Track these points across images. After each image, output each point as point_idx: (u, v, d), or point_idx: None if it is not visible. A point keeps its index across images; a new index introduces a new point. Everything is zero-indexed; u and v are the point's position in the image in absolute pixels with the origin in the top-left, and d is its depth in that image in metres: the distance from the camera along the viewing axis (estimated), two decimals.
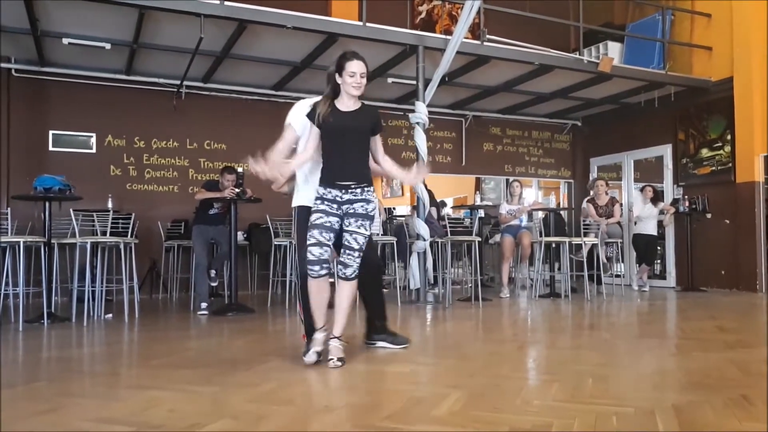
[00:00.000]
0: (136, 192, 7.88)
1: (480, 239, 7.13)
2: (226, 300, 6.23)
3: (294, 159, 3.44)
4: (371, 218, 3.37)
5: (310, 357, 3.25)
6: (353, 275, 3.33)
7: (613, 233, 7.83)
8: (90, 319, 5.38)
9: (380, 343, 3.90)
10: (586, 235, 7.39)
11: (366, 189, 3.35)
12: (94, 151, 7.74)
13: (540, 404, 2.51)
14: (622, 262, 9.24)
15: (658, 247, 8.99)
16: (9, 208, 5.72)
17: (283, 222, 6.70)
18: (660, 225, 8.59)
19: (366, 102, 3.46)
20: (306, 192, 3.53)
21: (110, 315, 5.66)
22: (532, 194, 11.07)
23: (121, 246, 5.58)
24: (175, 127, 8.10)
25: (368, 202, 3.35)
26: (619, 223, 7.99)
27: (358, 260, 3.33)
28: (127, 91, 7.87)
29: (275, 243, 6.75)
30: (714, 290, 8.24)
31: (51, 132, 7.53)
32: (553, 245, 7.57)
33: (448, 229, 6.82)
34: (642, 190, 8.45)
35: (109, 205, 6.05)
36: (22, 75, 7.36)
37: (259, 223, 7.84)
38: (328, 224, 3.28)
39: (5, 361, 3.60)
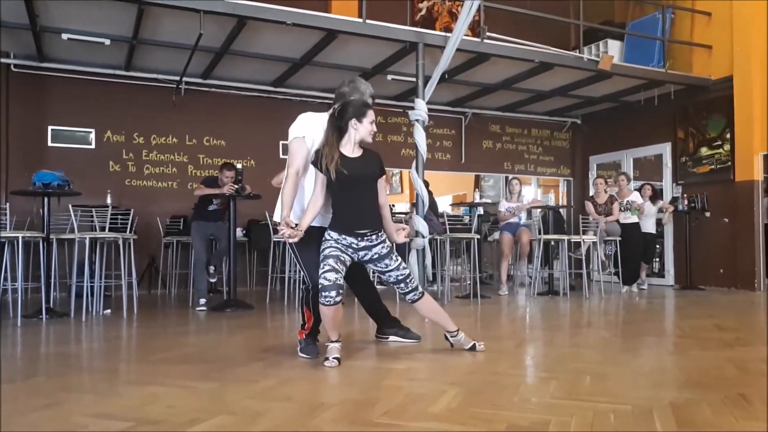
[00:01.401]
0: (135, 188, 7.88)
1: (479, 237, 7.14)
2: (225, 296, 6.23)
3: (306, 214, 3.31)
4: (393, 249, 3.44)
5: (333, 363, 3.21)
6: (421, 292, 3.47)
7: (611, 231, 7.83)
8: (88, 315, 5.38)
9: (392, 338, 3.97)
10: (584, 233, 7.39)
11: (379, 233, 3.37)
12: (93, 146, 7.72)
13: (538, 401, 2.51)
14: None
15: (657, 246, 9.00)
16: (8, 204, 5.72)
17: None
18: (659, 223, 8.59)
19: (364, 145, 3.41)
20: (297, 211, 3.43)
21: (109, 311, 5.66)
22: (531, 192, 11.09)
23: (120, 242, 5.59)
24: (175, 123, 8.09)
25: (385, 241, 3.39)
26: (617, 221, 7.99)
27: (415, 280, 3.45)
28: (127, 87, 7.86)
29: (274, 240, 6.75)
30: (712, 289, 8.25)
31: (50, 127, 7.52)
32: (552, 243, 7.58)
33: (447, 227, 6.82)
34: (641, 188, 8.44)
35: (108, 200, 6.04)
36: (21, 70, 7.35)
37: (258, 220, 7.84)
38: (343, 258, 3.27)
39: (4, 357, 3.60)
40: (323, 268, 3.21)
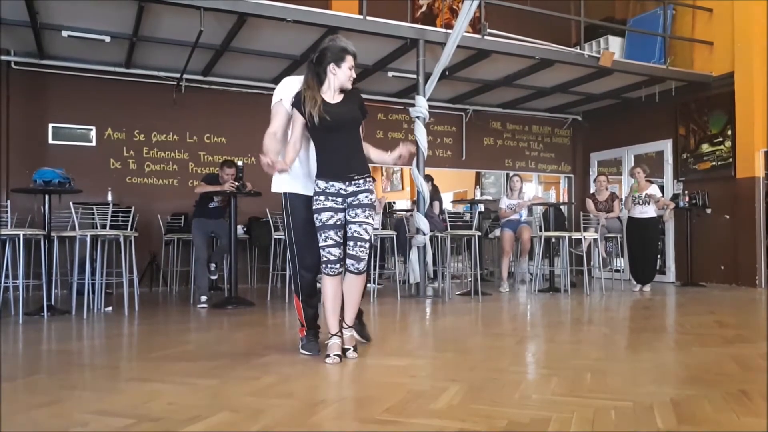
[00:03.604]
0: (136, 185, 7.88)
1: (480, 234, 7.14)
2: (226, 293, 6.24)
3: (287, 154, 3.26)
4: (375, 208, 3.36)
5: (334, 360, 3.20)
6: (365, 268, 3.30)
7: (612, 228, 7.83)
8: (90, 312, 5.39)
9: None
10: (585, 230, 7.39)
11: (367, 179, 3.31)
12: (93, 144, 7.73)
13: (539, 398, 2.51)
14: (622, 257, 9.24)
15: (658, 243, 8.98)
16: (9, 201, 5.72)
17: (283, 216, 6.69)
18: (660, 220, 8.57)
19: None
20: (293, 177, 3.38)
21: (110, 308, 5.66)
22: (532, 189, 11.08)
23: (121, 239, 5.59)
24: (175, 121, 8.09)
25: (371, 192, 3.31)
26: (618, 218, 7.98)
27: (369, 251, 3.30)
28: (127, 85, 7.86)
29: (275, 237, 6.75)
30: (713, 285, 8.25)
31: (50, 125, 7.51)
32: (553, 240, 7.57)
33: (448, 224, 6.82)
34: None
35: (109, 198, 6.04)
36: (21, 68, 7.34)
37: (258, 217, 7.85)
38: (340, 222, 3.26)
39: (5, 354, 3.61)
40: (326, 241, 3.22)
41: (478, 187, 9.23)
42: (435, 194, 7.88)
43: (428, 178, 7.19)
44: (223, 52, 7.16)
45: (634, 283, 7.72)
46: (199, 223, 6.24)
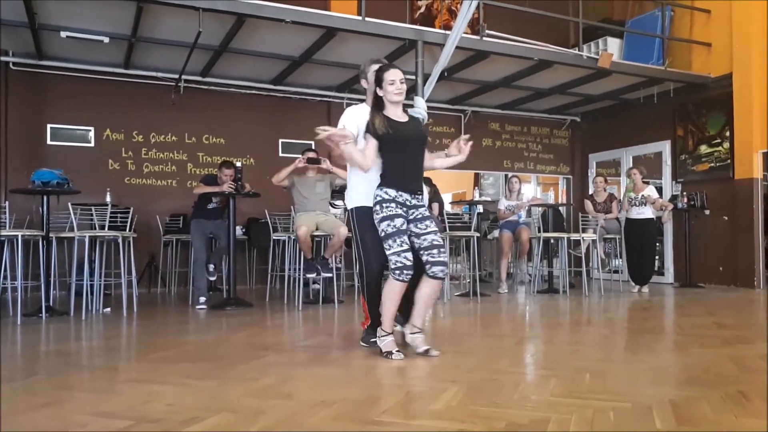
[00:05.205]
0: (135, 186, 7.87)
1: (478, 235, 7.13)
2: (225, 294, 6.23)
3: (355, 152, 3.46)
4: None
5: (399, 356, 3.34)
6: (446, 273, 3.48)
7: (611, 229, 7.83)
8: (88, 313, 5.38)
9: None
10: (584, 231, 7.39)
11: (422, 195, 3.54)
12: (92, 145, 7.72)
13: (538, 399, 2.51)
14: (620, 258, 9.26)
15: (656, 244, 8.99)
16: (7, 202, 5.71)
17: (281, 216, 6.70)
18: (658, 221, 8.59)
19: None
20: (364, 193, 3.55)
21: (108, 309, 5.66)
22: (530, 190, 11.09)
23: (120, 240, 5.58)
24: (174, 122, 8.08)
25: (426, 206, 3.56)
26: (617, 219, 7.99)
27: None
28: (126, 85, 7.85)
29: (274, 238, 6.74)
30: (712, 286, 8.25)
31: (49, 126, 7.51)
32: (552, 241, 7.57)
33: (447, 225, 6.82)
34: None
35: (108, 199, 6.03)
36: (19, 68, 7.33)
37: (257, 218, 7.84)
38: (407, 229, 3.41)
39: (4, 355, 3.60)
40: (401, 246, 3.33)
41: (476, 188, 9.21)
42: (435, 196, 7.89)
43: (427, 181, 7.18)
44: (222, 53, 7.15)
45: (633, 284, 7.74)
46: (198, 224, 6.24)
